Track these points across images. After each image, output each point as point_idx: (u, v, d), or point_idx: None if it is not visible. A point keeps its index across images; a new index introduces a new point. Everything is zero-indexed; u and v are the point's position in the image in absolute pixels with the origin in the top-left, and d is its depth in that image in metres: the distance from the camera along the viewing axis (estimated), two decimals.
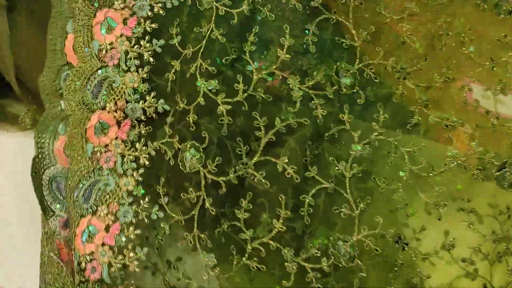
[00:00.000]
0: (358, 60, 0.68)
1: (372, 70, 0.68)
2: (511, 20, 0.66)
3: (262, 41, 0.69)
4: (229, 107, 0.67)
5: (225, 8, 0.69)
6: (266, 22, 0.69)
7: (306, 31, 0.68)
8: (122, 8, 0.71)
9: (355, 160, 0.68)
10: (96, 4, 0.71)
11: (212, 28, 0.69)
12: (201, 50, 0.68)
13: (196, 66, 0.68)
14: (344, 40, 0.68)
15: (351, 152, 0.68)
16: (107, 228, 0.68)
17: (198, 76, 0.68)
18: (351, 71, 0.67)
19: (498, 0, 0.65)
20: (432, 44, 0.67)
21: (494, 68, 0.66)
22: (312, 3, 0.67)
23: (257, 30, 0.68)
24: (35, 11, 0.80)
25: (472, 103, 0.68)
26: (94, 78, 0.70)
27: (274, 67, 0.68)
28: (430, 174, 0.67)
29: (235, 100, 0.68)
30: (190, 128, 0.68)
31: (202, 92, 0.68)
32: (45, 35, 0.75)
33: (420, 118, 0.68)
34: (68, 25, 0.72)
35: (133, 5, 0.71)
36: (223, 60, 0.68)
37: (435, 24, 0.67)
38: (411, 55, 0.68)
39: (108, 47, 0.72)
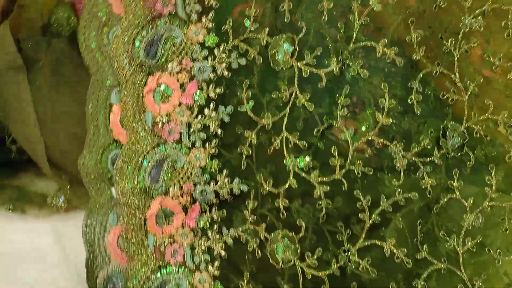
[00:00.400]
0: (466, 117, 0.59)
1: (482, 127, 0.59)
2: None
3: (356, 103, 0.59)
4: (327, 188, 0.55)
5: (310, 69, 0.56)
6: (358, 81, 0.58)
7: (409, 89, 0.58)
8: (178, 72, 0.58)
9: (468, 232, 0.59)
10: (146, 69, 0.58)
11: (296, 93, 0.56)
12: (285, 120, 0.56)
13: (281, 141, 0.56)
14: (449, 95, 0.57)
15: (463, 224, 0.59)
16: None
17: (285, 153, 0.56)
18: (458, 131, 0.58)
19: None
20: None
21: None
22: (414, 55, 0.56)
23: (348, 90, 0.58)
24: (61, 72, 0.66)
25: None
26: (151, 158, 0.57)
27: (372, 133, 0.58)
28: None
29: (332, 178, 0.56)
30: (281, 215, 0.57)
31: (292, 172, 0.56)
32: (75, 102, 0.61)
33: None
34: (112, 95, 0.58)
35: (191, 67, 0.58)
36: (314, 131, 0.55)
37: None
38: None
39: (164, 120, 0.59)
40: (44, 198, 0.70)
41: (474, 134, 0.59)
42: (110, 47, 0.60)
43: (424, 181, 0.58)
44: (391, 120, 0.58)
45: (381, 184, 0.58)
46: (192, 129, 0.60)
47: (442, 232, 0.59)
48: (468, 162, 0.59)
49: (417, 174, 0.58)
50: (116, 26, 0.61)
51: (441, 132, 0.59)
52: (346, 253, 0.58)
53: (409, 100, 0.58)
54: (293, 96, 0.59)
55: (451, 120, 0.59)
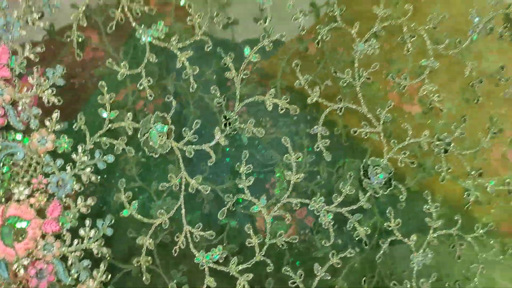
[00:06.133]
0: (385, 148, 0.52)
1: (406, 155, 0.52)
2: None
3: (261, 167, 0.51)
4: (250, 276, 0.49)
5: (192, 147, 0.45)
6: (256, 142, 0.51)
7: (314, 136, 0.50)
8: (30, 195, 0.44)
9: (420, 272, 0.53)
10: None
11: (186, 178, 0.48)
12: (183, 212, 0.48)
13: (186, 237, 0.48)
14: (361, 129, 0.51)
15: (412, 266, 0.53)
16: None
17: (194, 250, 0.48)
18: (381, 165, 0.51)
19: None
20: (465, 99, 0.53)
21: None
22: (309, 99, 0.48)
23: (248, 156, 0.50)
24: None
25: None
26: None
27: (287, 195, 0.50)
28: None
29: (254, 262, 0.49)
30: None
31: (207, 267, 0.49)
32: None
33: (478, 194, 0.54)
34: None
35: (46, 185, 0.45)
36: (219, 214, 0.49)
37: (462, 73, 0.52)
38: (445, 120, 0.53)
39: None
40: None
41: (399, 164, 0.52)
42: None
43: (358, 231, 0.51)
44: (302, 175, 0.50)
45: (313, 248, 0.51)
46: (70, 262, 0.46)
47: (393, 281, 0.52)
48: (400, 196, 0.52)
49: (348, 226, 0.51)
50: None
51: (362, 172, 0.51)
52: None
53: (315, 148, 0.50)
54: (183, 182, 0.46)
55: (370, 157, 0.52)
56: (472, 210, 0.55)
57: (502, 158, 0.56)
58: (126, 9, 0.46)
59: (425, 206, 0.53)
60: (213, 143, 0.48)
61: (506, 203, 0.55)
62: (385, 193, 0.51)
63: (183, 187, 0.48)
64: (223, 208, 0.49)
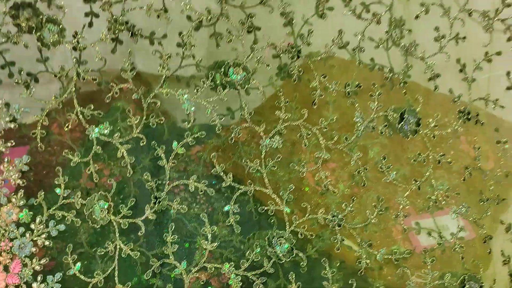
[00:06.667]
0: (288, 223, 0.64)
1: (305, 228, 0.63)
2: (418, 138, 0.64)
3: (185, 237, 0.64)
4: None
5: (127, 220, 0.59)
6: (181, 216, 0.64)
7: (227, 213, 0.62)
8: None
9: None
10: None
11: (120, 245, 0.58)
12: (116, 274, 0.59)
13: None
14: (268, 207, 0.63)
15: None
16: None
17: None
18: (285, 236, 0.63)
19: (401, 125, 0.62)
20: (356, 182, 0.64)
21: (420, 188, 0.63)
22: (223, 183, 0.59)
23: (174, 227, 0.62)
24: None
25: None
26: None
27: (204, 260, 0.62)
28: None
29: None
30: None
31: None
32: None
33: (368, 261, 0.64)
34: None
35: (11, 247, 0.56)
36: (145, 276, 0.61)
37: (350, 164, 0.65)
38: (338, 200, 0.66)
39: None
40: None
41: (299, 235, 0.64)
42: None
43: None
44: (216, 244, 0.62)
45: None
46: None
47: None
48: (302, 263, 0.63)
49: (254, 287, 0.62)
50: None
51: (267, 242, 0.62)
52: None
53: (227, 222, 0.62)
54: (117, 249, 0.59)
55: (276, 229, 0.63)
56: (366, 275, 0.66)
57: (388, 232, 0.68)
58: (79, 113, 0.60)
59: (323, 271, 0.64)
60: (143, 217, 0.61)
61: (394, 270, 0.67)
62: (288, 260, 0.63)
63: (117, 252, 0.61)
64: (149, 270, 0.61)
